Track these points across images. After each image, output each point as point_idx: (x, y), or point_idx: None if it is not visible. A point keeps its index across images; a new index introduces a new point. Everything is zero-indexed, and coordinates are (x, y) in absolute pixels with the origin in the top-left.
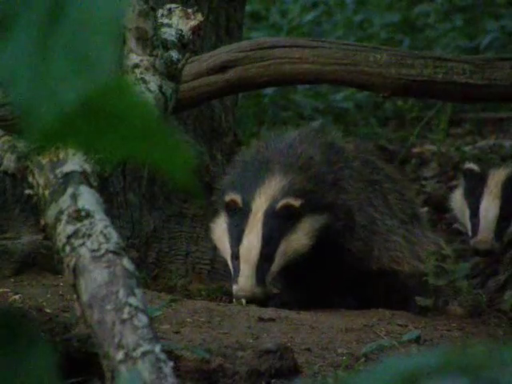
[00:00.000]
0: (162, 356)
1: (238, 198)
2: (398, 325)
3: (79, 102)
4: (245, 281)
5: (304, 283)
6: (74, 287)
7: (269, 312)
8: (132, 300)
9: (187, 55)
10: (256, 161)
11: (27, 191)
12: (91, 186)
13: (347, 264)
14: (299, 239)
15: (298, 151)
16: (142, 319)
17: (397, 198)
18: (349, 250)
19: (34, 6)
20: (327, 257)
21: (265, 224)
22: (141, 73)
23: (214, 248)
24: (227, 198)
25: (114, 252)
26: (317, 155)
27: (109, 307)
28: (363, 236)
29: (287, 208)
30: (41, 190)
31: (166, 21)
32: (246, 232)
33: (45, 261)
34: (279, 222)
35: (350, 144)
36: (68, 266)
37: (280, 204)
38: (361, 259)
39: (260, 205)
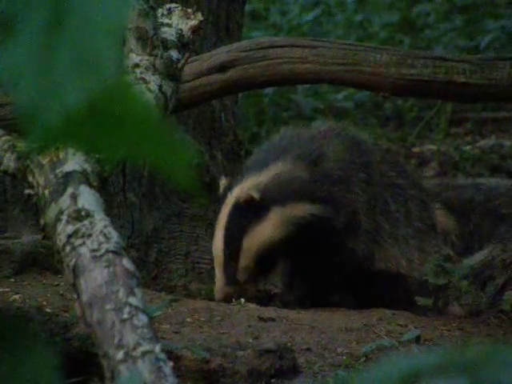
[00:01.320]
0: (162, 356)
1: (222, 184)
2: (398, 324)
3: (83, 103)
4: (216, 282)
5: (304, 281)
6: (74, 287)
7: (269, 312)
8: (132, 300)
9: (187, 55)
10: (270, 148)
11: (27, 191)
12: (91, 186)
13: (349, 263)
14: (263, 232)
15: (314, 145)
16: (142, 319)
17: (419, 206)
18: (353, 250)
19: (38, 7)
20: (327, 254)
21: (228, 221)
22: (141, 72)
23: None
24: (219, 182)
25: (114, 252)
26: (331, 151)
27: (109, 307)
28: (366, 240)
29: (249, 201)
30: (41, 190)
31: (165, 20)
32: (216, 229)
33: (45, 260)
34: (242, 217)
35: (380, 146)
36: (68, 265)
37: (241, 197)
38: (364, 260)
39: (232, 197)
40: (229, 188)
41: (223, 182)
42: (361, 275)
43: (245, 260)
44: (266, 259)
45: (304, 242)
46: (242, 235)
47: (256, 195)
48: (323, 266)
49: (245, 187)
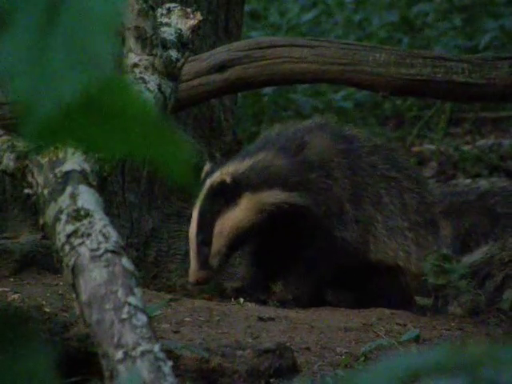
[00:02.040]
0: (161, 355)
1: (205, 170)
2: (398, 324)
3: (78, 98)
4: (190, 265)
5: (300, 277)
6: (73, 286)
7: (268, 311)
8: (131, 299)
9: (186, 54)
10: (259, 141)
11: (26, 190)
12: (90, 186)
13: (341, 253)
14: (235, 216)
15: (296, 136)
16: (141, 318)
17: (415, 199)
18: (343, 239)
19: (33, 2)
20: (314, 243)
21: (201, 205)
22: (140, 72)
23: None
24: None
25: (113, 251)
26: (313, 140)
27: (108, 306)
28: (357, 229)
29: (221, 185)
30: (40, 190)
31: (165, 20)
32: (192, 213)
33: (44, 260)
34: (215, 201)
35: (370, 139)
36: (67, 265)
37: (214, 181)
38: (358, 251)
39: (208, 182)
40: (209, 173)
41: (206, 167)
42: (359, 269)
43: (216, 244)
44: (238, 245)
45: (284, 230)
46: (214, 219)
47: (228, 179)
48: (313, 256)
49: (220, 172)
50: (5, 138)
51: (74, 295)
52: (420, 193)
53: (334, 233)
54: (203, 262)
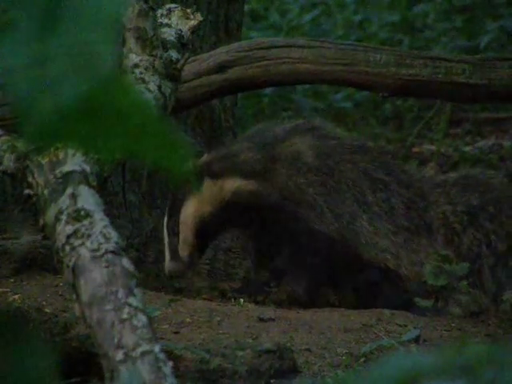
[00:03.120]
0: (162, 356)
1: (197, 163)
2: (398, 325)
3: (78, 100)
4: (165, 257)
5: (294, 275)
6: (74, 287)
7: (268, 312)
8: (131, 300)
9: (186, 55)
10: (245, 134)
11: (26, 191)
12: (91, 186)
13: (318, 245)
14: (195, 204)
15: (272, 133)
16: (142, 319)
17: (404, 203)
18: (318, 232)
19: (34, 3)
20: (298, 238)
21: (173, 194)
22: (140, 73)
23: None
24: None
25: (113, 252)
26: (283, 134)
27: (108, 307)
28: (335, 222)
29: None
30: (40, 190)
31: (165, 21)
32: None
33: (44, 261)
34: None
35: (357, 140)
36: (67, 265)
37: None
38: (348, 248)
39: None
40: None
41: (203, 158)
42: (355, 268)
43: (182, 233)
44: (206, 235)
45: (262, 223)
46: (180, 208)
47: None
48: (298, 251)
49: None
50: (5, 138)
51: (74, 296)
52: (410, 198)
53: (313, 226)
54: (174, 253)
